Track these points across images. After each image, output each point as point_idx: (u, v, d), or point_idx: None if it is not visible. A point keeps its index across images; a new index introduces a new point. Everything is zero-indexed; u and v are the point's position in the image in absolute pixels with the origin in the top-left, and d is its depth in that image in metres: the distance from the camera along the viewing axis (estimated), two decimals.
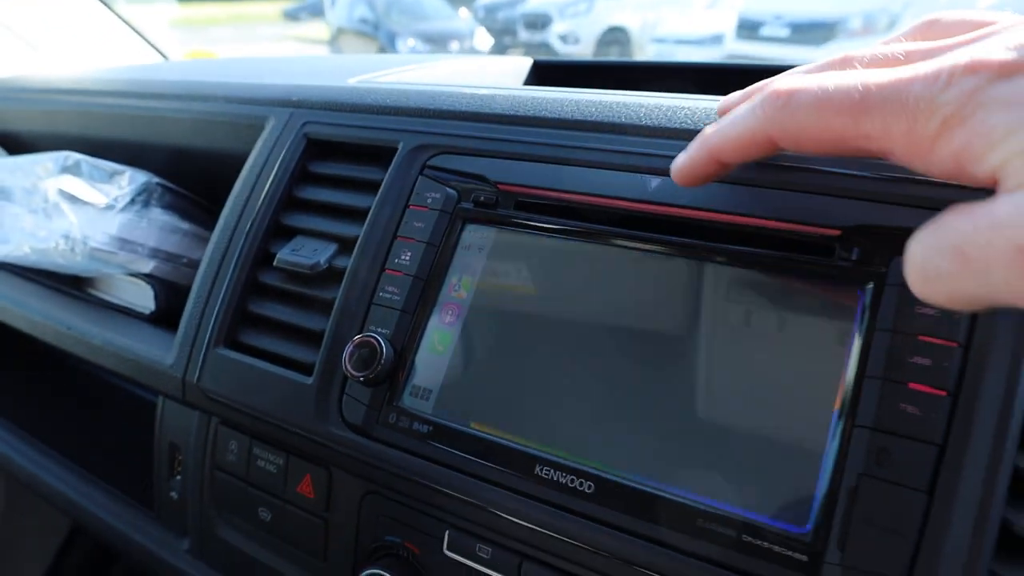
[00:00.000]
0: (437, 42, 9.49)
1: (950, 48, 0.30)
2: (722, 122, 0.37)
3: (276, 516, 0.61)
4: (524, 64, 1.01)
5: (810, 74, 0.33)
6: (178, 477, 0.69)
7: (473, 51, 9.46)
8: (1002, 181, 0.26)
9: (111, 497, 0.76)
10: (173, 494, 0.69)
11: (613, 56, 9.17)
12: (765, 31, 7.17)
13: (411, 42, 9.35)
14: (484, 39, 9.76)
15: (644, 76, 0.98)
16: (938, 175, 0.30)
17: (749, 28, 7.32)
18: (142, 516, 0.72)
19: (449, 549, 0.52)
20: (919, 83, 0.27)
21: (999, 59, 0.26)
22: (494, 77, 0.98)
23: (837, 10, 6.75)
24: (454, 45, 9.51)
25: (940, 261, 0.28)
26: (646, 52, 8.84)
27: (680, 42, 8.03)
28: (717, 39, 7.67)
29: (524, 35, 10.05)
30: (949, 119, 0.26)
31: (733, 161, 0.39)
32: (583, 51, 9.41)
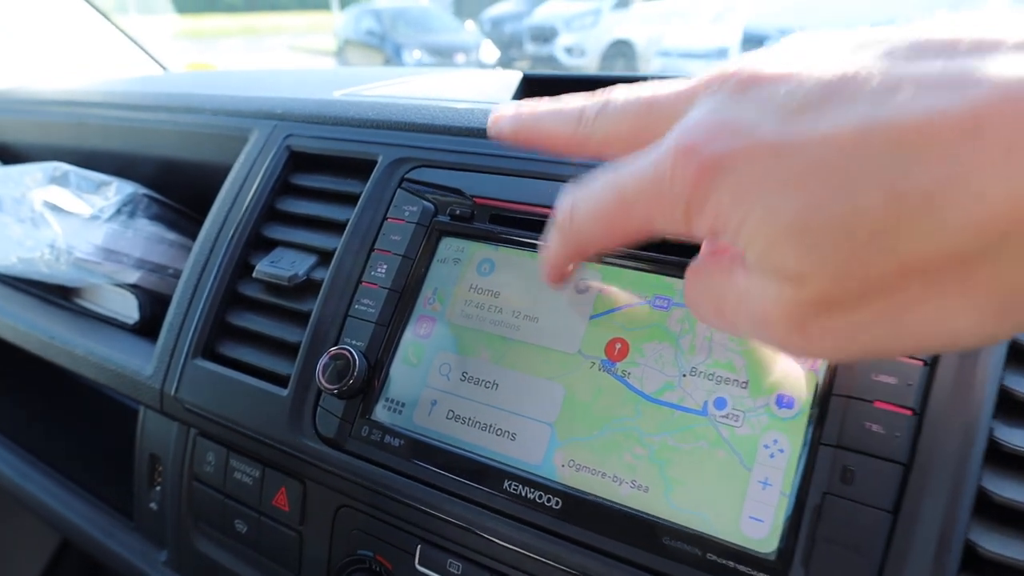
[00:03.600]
0: (443, 54, 9.56)
1: (668, 120, 0.30)
2: (547, 242, 0.38)
3: (252, 528, 0.61)
4: (514, 78, 1.01)
5: (584, 184, 0.33)
6: (158, 488, 0.69)
7: (479, 63, 9.50)
8: (745, 258, 0.27)
9: (93, 507, 0.76)
10: (152, 505, 0.69)
11: (618, 69, 9.20)
12: (769, 45, 7.20)
13: (417, 54, 9.42)
14: (490, 51, 9.82)
15: None
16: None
17: (754, 42, 7.35)
18: (122, 527, 0.72)
19: (420, 564, 0.52)
20: (654, 174, 0.28)
21: (709, 152, 0.26)
22: (483, 91, 0.98)
23: (842, 25, 6.77)
24: (460, 57, 9.57)
25: (705, 307, 0.31)
26: (651, 65, 8.88)
27: (685, 56, 8.06)
28: (722, 53, 7.70)
29: (530, 48, 10.11)
30: (689, 208, 0.27)
31: (572, 269, 0.40)
32: (589, 63, 9.46)
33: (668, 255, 0.48)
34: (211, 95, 0.79)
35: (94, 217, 0.74)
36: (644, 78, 1.01)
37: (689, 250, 0.48)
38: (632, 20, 9.51)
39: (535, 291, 0.52)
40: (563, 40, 9.58)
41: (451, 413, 0.51)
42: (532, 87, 1.02)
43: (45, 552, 1.14)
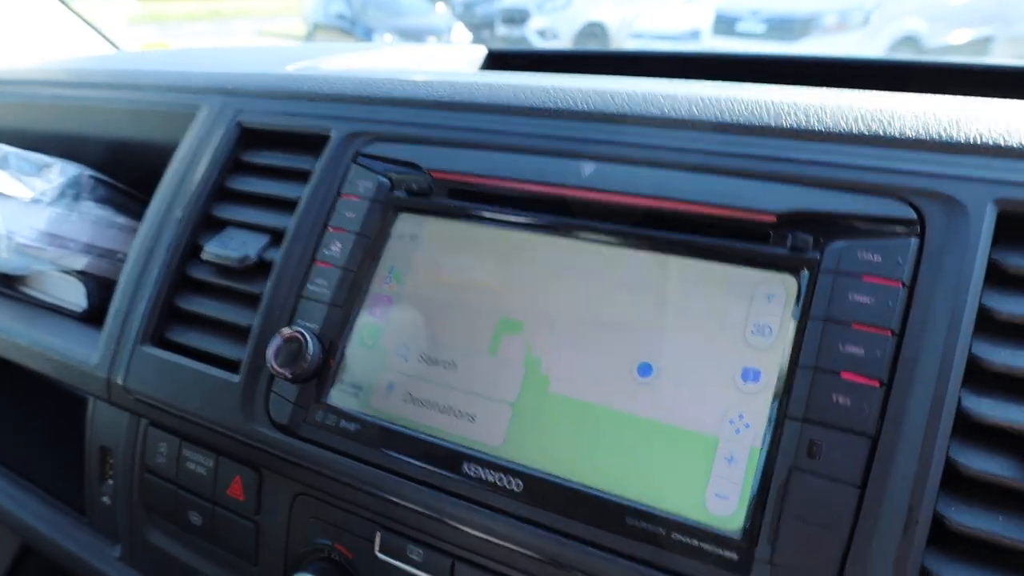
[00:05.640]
0: (414, 38, 9.43)
1: None
2: None
3: (207, 520, 0.58)
4: (478, 53, 0.99)
5: None
6: (109, 481, 0.66)
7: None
8: None
9: (46, 505, 0.73)
10: (104, 499, 0.66)
11: None
12: (741, 27, 7.20)
13: (388, 38, 9.29)
14: (462, 34, 9.71)
15: (600, 65, 0.96)
16: None
17: (726, 24, 7.35)
18: (73, 522, 0.69)
19: (381, 551, 0.50)
20: None
21: None
22: (445, 66, 0.95)
23: (812, 6, 6.79)
24: (431, 41, 9.46)
25: None
26: (624, 47, 8.85)
27: (657, 38, 8.04)
28: (694, 35, 7.70)
29: (502, 30, 10.01)
30: None
31: None
32: (561, 46, 9.39)
33: (632, 226, 0.47)
34: (157, 71, 0.76)
35: (35, 200, 0.71)
36: (606, 55, 0.99)
37: (647, 220, 0.46)
38: (604, 2, 9.46)
39: (493, 266, 0.50)
40: (535, 23, 9.49)
41: (409, 396, 0.49)
42: (497, 62, 1.00)
43: (5, 556, 1.10)
